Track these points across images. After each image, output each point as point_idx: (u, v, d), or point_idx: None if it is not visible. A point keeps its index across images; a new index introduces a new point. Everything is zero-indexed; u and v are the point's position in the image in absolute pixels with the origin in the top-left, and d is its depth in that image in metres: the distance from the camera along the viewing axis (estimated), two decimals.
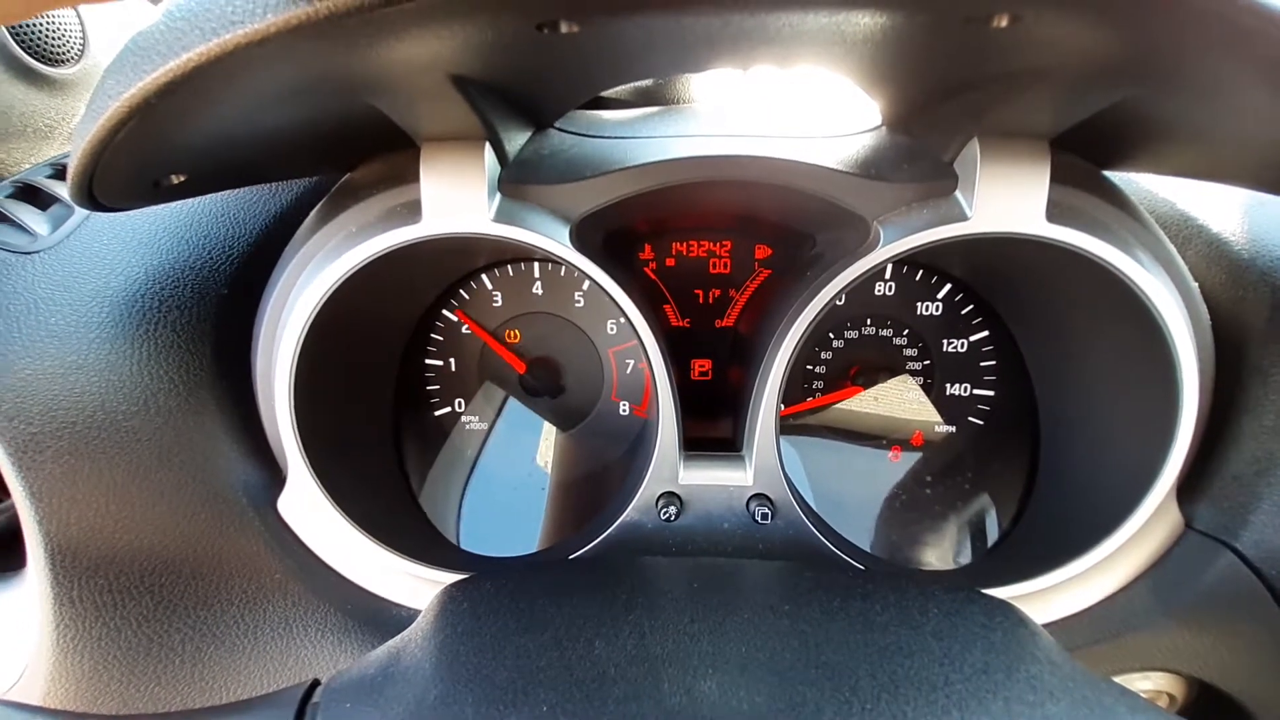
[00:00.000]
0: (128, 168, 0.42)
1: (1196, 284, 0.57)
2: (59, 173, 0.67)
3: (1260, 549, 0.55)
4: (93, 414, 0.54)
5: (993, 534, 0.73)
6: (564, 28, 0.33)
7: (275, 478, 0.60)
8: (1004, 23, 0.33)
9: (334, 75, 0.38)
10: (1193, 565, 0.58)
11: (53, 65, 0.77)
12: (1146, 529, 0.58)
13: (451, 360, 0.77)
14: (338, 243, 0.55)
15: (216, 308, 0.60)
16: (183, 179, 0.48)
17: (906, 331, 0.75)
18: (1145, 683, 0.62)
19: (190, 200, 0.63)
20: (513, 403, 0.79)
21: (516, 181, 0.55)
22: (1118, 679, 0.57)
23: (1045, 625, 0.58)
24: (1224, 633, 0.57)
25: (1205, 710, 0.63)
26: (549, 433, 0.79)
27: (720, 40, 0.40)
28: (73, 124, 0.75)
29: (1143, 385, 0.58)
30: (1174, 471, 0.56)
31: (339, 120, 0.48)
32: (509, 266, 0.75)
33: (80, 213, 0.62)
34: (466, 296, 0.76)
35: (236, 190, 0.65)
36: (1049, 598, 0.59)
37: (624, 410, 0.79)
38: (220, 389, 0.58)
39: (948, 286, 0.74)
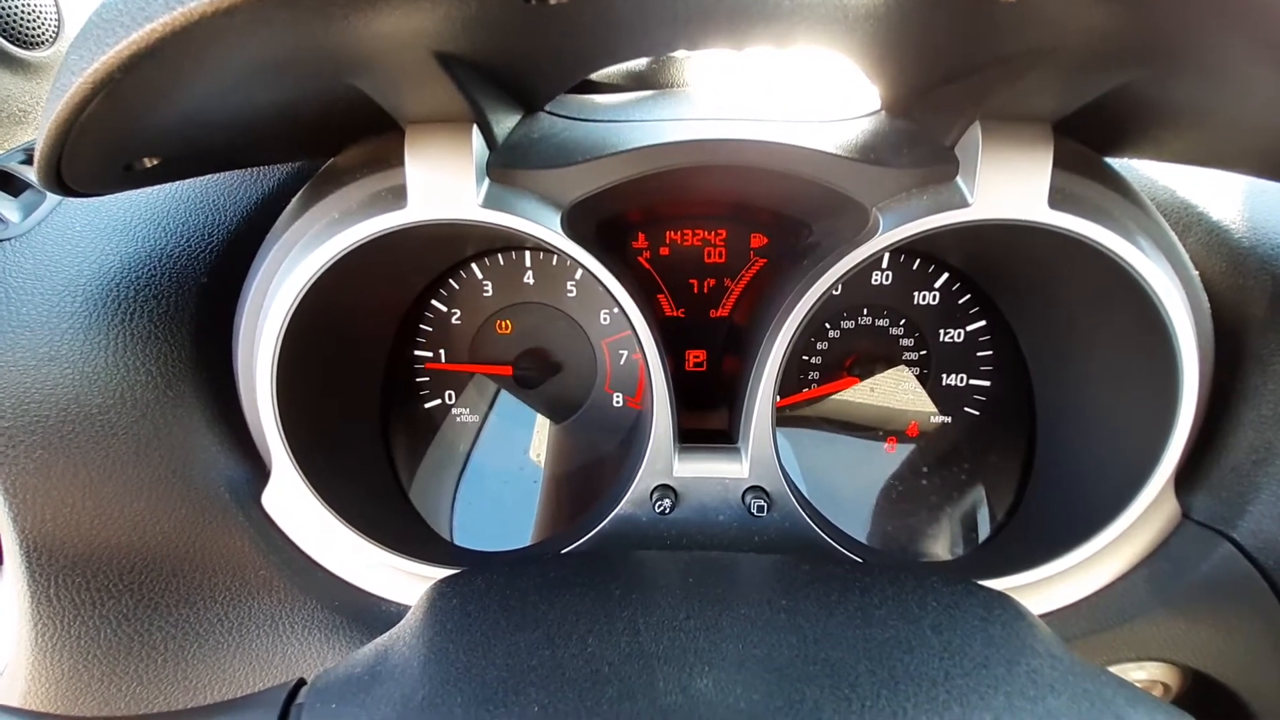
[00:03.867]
0: (96, 150, 0.40)
1: (1196, 272, 0.57)
2: (31, 158, 0.64)
3: (1258, 539, 0.55)
4: (66, 407, 0.52)
5: (990, 525, 0.73)
6: None
7: (259, 471, 0.59)
8: None
9: (311, 51, 0.36)
10: (1190, 555, 0.58)
11: (26, 48, 0.74)
12: (1144, 519, 0.57)
13: (441, 351, 0.76)
14: (320, 229, 0.53)
15: (196, 297, 0.58)
16: (156, 163, 0.46)
17: (903, 321, 0.74)
18: (1140, 673, 0.62)
19: (168, 185, 0.61)
20: (505, 395, 0.78)
21: (505, 166, 0.53)
22: (1113, 669, 0.57)
23: (1042, 615, 0.58)
24: (1220, 623, 0.57)
25: (1200, 700, 0.63)
26: (542, 425, 0.78)
27: (716, 16, 0.38)
28: None
29: (1141, 374, 0.58)
30: (1172, 461, 0.55)
31: (320, 102, 0.46)
32: (499, 255, 0.73)
33: (53, 199, 0.59)
34: (456, 286, 0.74)
35: (216, 175, 0.63)
36: (1046, 588, 0.59)
37: (618, 402, 0.77)
38: (200, 380, 0.57)
39: (945, 275, 0.73)
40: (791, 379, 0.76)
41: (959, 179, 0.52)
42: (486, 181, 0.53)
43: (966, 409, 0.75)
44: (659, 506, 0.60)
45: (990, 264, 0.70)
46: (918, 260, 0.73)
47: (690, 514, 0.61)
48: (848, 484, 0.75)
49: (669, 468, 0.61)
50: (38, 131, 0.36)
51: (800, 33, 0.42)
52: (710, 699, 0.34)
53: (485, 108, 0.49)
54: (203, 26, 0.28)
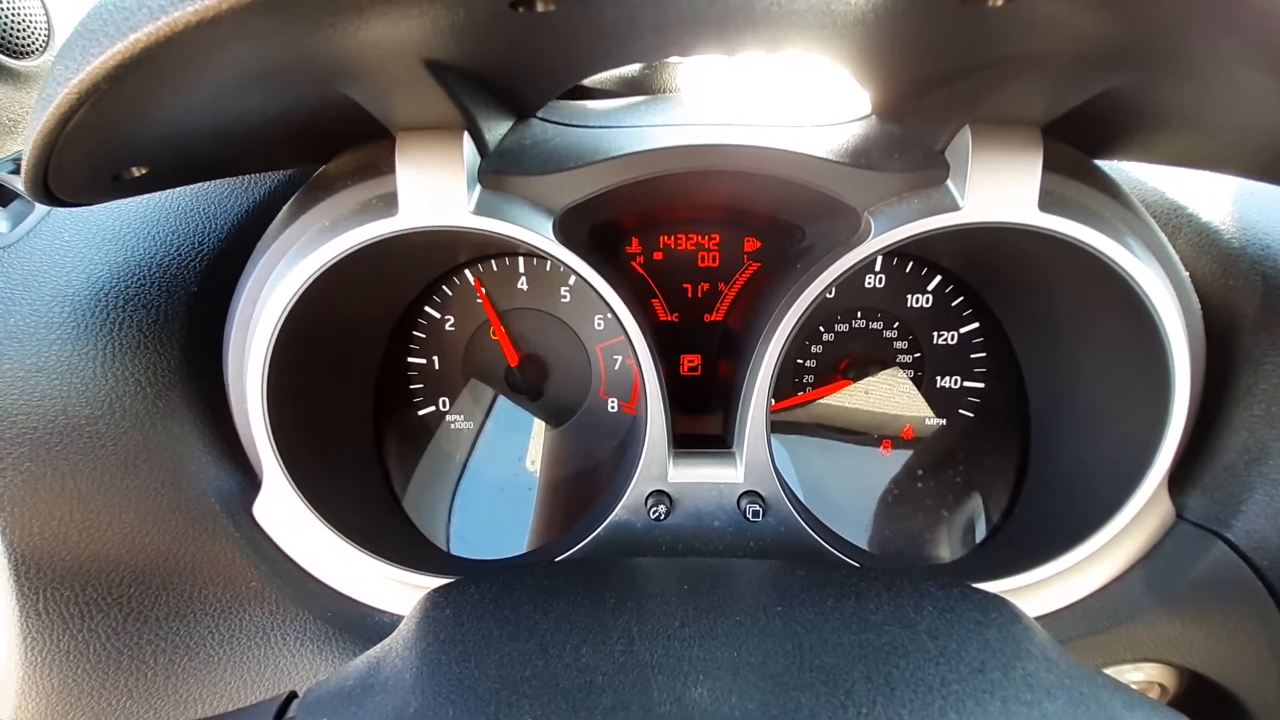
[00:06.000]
0: (84, 159, 0.39)
1: (1187, 273, 0.57)
2: (20, 168, 0.64)
3: (1252, 539, 0.55)
4: (54, 419, 0.52)
5: (985, 527, 0.73)
6: (540, 6, 0.32)
7: (250, 482, 0.58)
8: (1000, 1, 0.32)
9: (299, 60, 0.36)
10: (1184, 556, 0.58)
11: (16, 57, 0.74)
12: (1138, 520, 0.57)
13: (435, 358, 0.75)
14: (311, 237, 0.53)
15: (186, 306, 0.57)
16: (144, 172, 0.46)
17: (896, 324, 0.74)
18: (1137, 674, 0.62)
19: (157, 194, 0.61)
20: (499, 401, 0.77)
21: (497, 172, 0.53)
22: (1109, 670, 0.57)
23: (1038, 618, 0.58)
24: (1216, 623, 0.57)
25: (1197, 700, 0.63)
26: (537, 431, 0.78)
27: (705, 21, 0.38)
28: None
29: (1134, 375, 0.58)
30: (1166, 462, 0.55)
31: (310, 109, 0.46)
32: (493, 261, 0.73)
33: (41, 209, 0.59)
34: (450, 292, 0.74)
35: (206, 184, 0.63)
36: (1042, 590, 0.59)
37: (612, 407, 0.77)
38: (190, 390, 0.56)
39: (938, 278, 0.73)
40: (786, 383, 0.76)
41: (949, 182, 0.52)
42: (478, 188, 0.53)
43: (961, 411, 0.75)
44: (654, 512, 0.60)
45: (982, 267, 0.70)
46: (910, 263, 0.73)
47: (685, 520, 0.61)
48: (843, 488, 0.75)
49: (664, 473, 0.60)
50: (23, 142, 0.36)
51: (790, 38, 0.42)
52: (705, 708, 0.34)
53: (476, 114, 0.49)
54: (187, 36, 0.28)
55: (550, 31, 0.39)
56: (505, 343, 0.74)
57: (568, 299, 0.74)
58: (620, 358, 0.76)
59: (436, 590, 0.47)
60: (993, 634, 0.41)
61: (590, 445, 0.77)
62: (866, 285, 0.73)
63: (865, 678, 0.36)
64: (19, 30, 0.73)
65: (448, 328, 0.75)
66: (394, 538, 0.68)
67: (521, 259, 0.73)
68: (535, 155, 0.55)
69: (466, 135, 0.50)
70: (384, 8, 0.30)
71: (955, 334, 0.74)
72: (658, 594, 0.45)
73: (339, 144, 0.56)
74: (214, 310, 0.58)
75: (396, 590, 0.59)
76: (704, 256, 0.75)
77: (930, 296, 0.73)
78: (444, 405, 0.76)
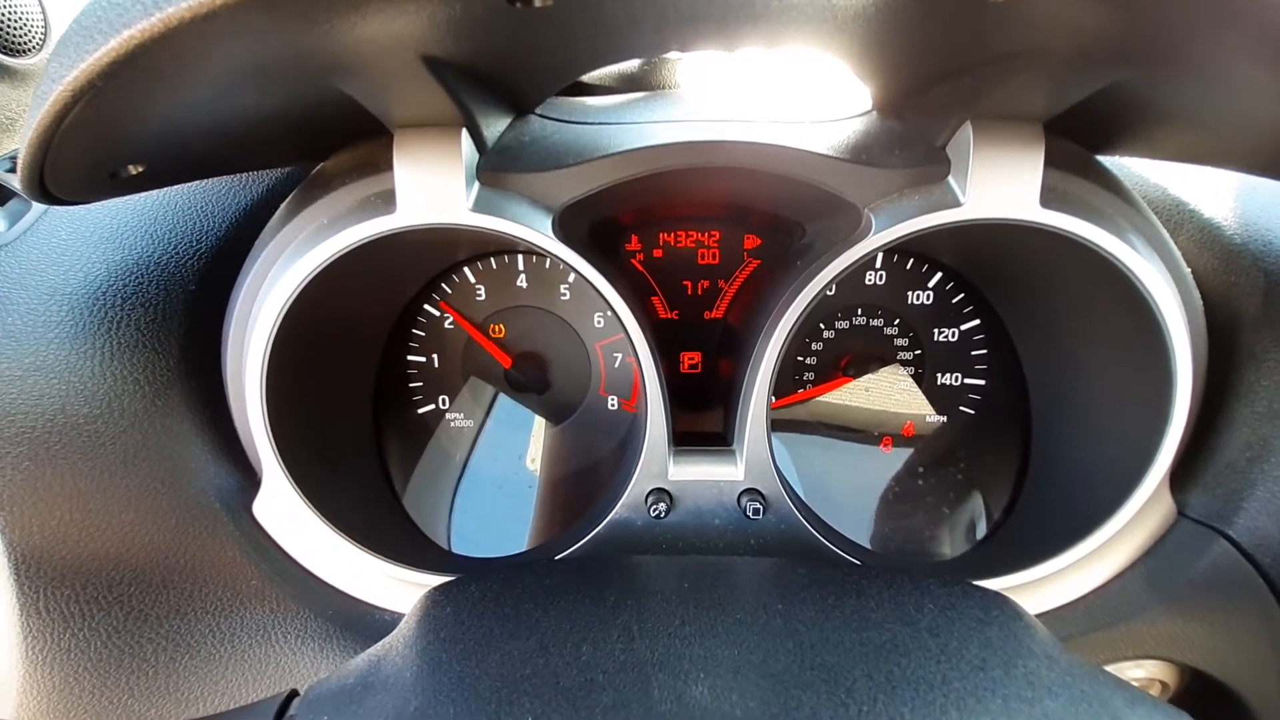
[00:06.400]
0: (80, 157, 0.39)
1: (1189, 269, 0.57)
2: (16, 166, 0.64)
3: (1254, 536, 0.55)
4: (53, 418, 0.52)
5: (986, 525, 0.72)
6: (538, 1, 0.31)
7: (250, 480, 0.58)
8: None
9: (295, 56, 0.36)
10: (1186, 553, 0.58)
11: (13, 56, 0.74)
12: (1140, 517, 0.57)
13: (434, 356, 0.75)
14: (309, 235, 0.53)
15: (184, 305, 0.57)
16: (141, 170, 0.46)
17: (897, 321, 0.74)
18: (1138, 671, 0.62)
19: (155, 193, 0.61)
20: (499, 399, 0.77)
21: (495, 169, 0.53)
22: (1111, 668, 0.57)
23: (1040, 615, 0.58)
24: (1217, 620, 0.57)
25: (1198, 697, 0.63)
26: (537, 429, 0.78)
27: (705, 17, 0.38)
28: None
29: (1135, 372, 0.58)
30: (1167, 459, 0.55)
31: (307, 106, 0.46)
32: (492, 259, 0.73)
33: (38, 207, 0.59)
34: (449, 290, 0.74)
35: (204, 182, 0.62)
36: (1043, 588, 0.59)
37: (612, 405, 0.77)
38: (189, 389, 0.56)
39: (939, 275, 0.73)
40: (787, 380, 0.76)
41: (951, 179, 0.52)
42: (476, 185, 0.52)
43: (962, 408, 0.75)
44: (654, 510, 0.60)
45: (983, 263, 0.70)
46: (911, 260, 0.73)
47: (686, 517, 0.61)
48: (844, 485, 0.75)
49: (664, 471, 0.60)
50: (19, 139, 0.36)
51: (790, 33, 0.42)
52: (706, 706, 0.34)
53: (474, 111, 0.48)
54: (182, 33, 0.28)
55: (548, 27, 0.39)
56: (493, 350, 0.74)
57: (567, 296, 0.74)
58: (620, 355, 0.76)
59: (437, 588, 0.47)
60: (994, 631, 0.41)
61: (590, 443, 0.77)
62: (867, 282, 0.73)
63: (866, 675, 0.36)
64: (15, 28, 0.73)
65: (447, 325, 0.75)
66: (394, 536, 0.68)
67: (520, 256, 0.73)
68: (534, 152, 0.54)
69: (465, 132, 0.50)
70: (381, 3, 0.30)
71: (956, 331, 0.74)
72: (658, 592, 0.45)
73: (337, 141, 0.56)
74: (212, 308, 0.58)
75: (397, 588, 0.59)
76: (704, 253, 0.74)
77: (931, 293, 0.73)
78: (444, 403, 0.76)
